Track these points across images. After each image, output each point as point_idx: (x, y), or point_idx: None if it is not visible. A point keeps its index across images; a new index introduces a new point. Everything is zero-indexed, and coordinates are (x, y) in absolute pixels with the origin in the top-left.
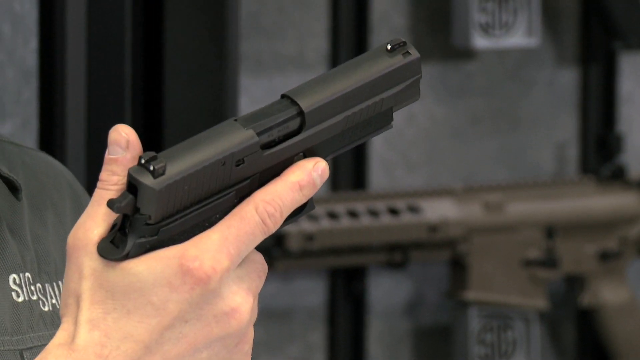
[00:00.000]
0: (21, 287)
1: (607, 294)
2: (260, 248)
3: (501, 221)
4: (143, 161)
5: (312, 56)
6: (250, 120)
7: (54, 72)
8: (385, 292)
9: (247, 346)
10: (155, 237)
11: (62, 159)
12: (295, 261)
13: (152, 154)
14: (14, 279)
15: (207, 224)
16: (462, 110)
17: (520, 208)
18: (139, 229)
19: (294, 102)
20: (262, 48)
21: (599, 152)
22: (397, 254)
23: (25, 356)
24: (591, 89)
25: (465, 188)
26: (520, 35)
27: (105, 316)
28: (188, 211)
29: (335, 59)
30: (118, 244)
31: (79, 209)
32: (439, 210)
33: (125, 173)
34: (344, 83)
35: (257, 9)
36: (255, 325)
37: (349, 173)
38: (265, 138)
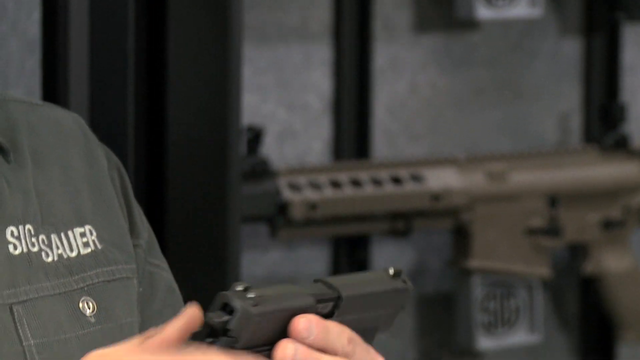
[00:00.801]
0: (19, 240)
1: (610, 263)
2: (264, 217)
3: (504, 190)
4: (240, 289)
5: (315, 27)
6: (308, 290)
7: (56, 42)
8: (389, 260)
9: None
10: None
11: None
12: (298, 230)
13: (245, 284)
14: (12, 231)
15: None
16: (465, 80)
17: (523, 177)
18: (223, 349)
19: (330, 287)
20: (266, 19)
21: (602, 122)
22: (400, 222)
23: (14, 310)
24: (594, 59)
25: (468, 157)
26: (524, 6)
27: None
28: (256, 349)
29: (338, 30)
30: None
31: (89, 157)
32: (442, 179)
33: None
34: (364, 287)
35: None
36: None
37: (352, 142)
38: (317, 309)
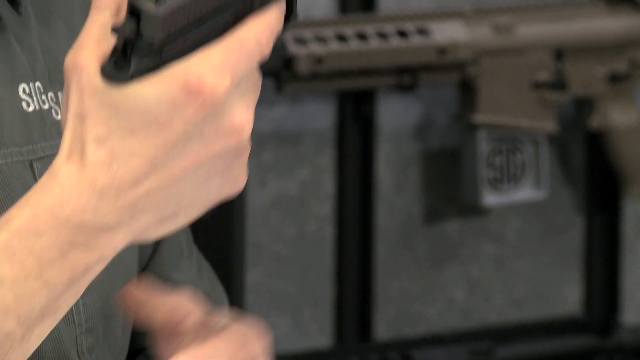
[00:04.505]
0: (31, 97)
1: (616, 116)
2: (268, 71)
3: (511, 43)
4: None
5: None
6: None
7: None
8: (394, 114)
9: (245, 157)
10: (159, 58)
11: None
12: (304, 84)
13: None
14: (24, 88)
15: (205, 43)
16: None
17: (529, 30)
18: (142, 52)
19: None
20: None
21: None
22: (406, 76)
23: (35, 167)
24: None
25: (474, 10)
26: None
27: (111, 134)
28: (188, 32)
29: None
30: (122, 66)
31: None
32: (448, 33)
33: None
34: None
35: None
36: (264, 148)
37: None
38: None
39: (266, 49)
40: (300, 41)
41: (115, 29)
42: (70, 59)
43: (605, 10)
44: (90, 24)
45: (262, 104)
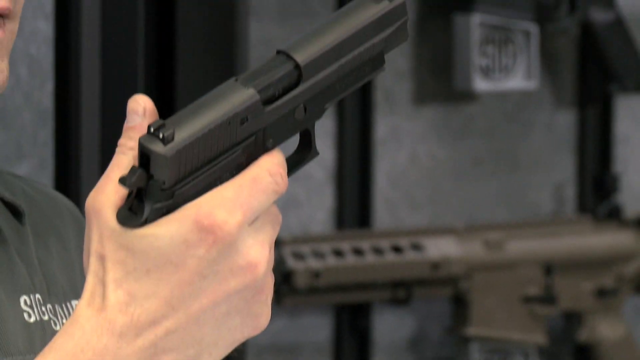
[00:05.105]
0: (32, 308)
1: (604, 330)
2: None
3: (501, 259)
4: (152, 130)
5: None
6: (250, 78)
7: (69, 114)
8: (390, 328)
9: (266, 296)
10: (171, 200)
11: (77, 199)
12: (302, 298)
13: (160, 121)
14: (25, 300)
15: (218, 183)
16: (464, 151)
17: (519, 246)
18: (154, 195)
19: (289, 57)
20: None
21: (596, 192)
22: (401, 290)
23: None
24: (588, 131)
25: (466, 227)
26: (520, 78)
27: (127, 276)
28: (200, 172)
29: (340, 102)
30: (136, 211)
31: (81, 233)
32: (441, 248)
33: None
34: (336, 34)
35: None
36: None
37: (354, 212)
38: (265, 95)
39: (282, 183)
40: (299, 256)
41: (122, 180)
42: (90, 202)
43: (593, 227)
44: (113, 165)
45: None
